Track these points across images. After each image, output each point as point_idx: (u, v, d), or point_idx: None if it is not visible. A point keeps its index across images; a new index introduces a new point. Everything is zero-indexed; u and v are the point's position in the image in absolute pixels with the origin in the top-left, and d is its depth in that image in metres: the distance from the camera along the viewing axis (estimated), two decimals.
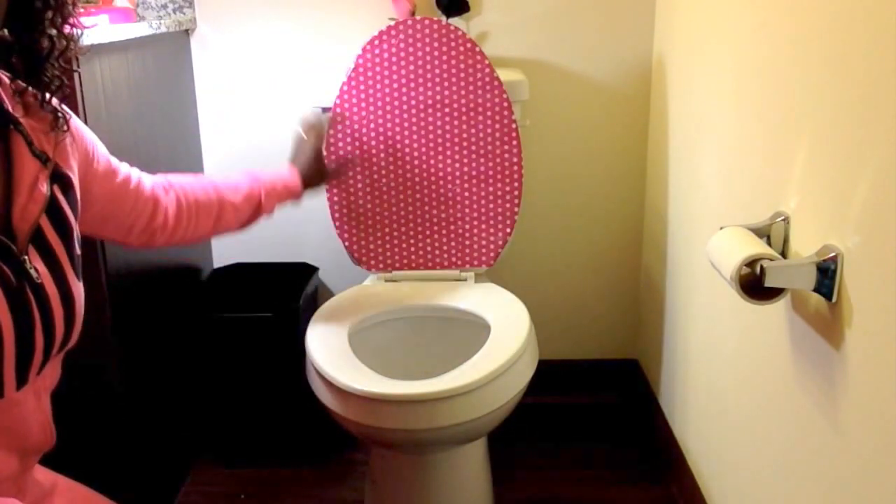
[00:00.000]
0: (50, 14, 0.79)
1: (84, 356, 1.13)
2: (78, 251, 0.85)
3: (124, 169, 1.05)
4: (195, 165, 1.83)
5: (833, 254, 0.87)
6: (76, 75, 1.24)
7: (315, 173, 1.43)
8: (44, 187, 0.80)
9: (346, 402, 1.21)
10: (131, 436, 1.44)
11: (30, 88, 0.82)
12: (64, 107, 0.87)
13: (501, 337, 1.34)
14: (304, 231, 1.92)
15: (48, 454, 0.90)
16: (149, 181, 1.11)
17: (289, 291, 1.77)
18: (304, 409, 1.64)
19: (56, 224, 0.81)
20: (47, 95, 0.83)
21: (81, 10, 1.48)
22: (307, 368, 1.34)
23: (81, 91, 1.26)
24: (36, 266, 0.78)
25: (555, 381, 1.98)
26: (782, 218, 1.02)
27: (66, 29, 0.82)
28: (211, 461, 1.78)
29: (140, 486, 1.48)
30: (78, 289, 0.83)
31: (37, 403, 0.84)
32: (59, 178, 0.84)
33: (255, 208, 1.29)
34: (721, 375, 1.34)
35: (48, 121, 0.83)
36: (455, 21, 1.75)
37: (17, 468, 0.82)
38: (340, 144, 1.58)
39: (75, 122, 0.92)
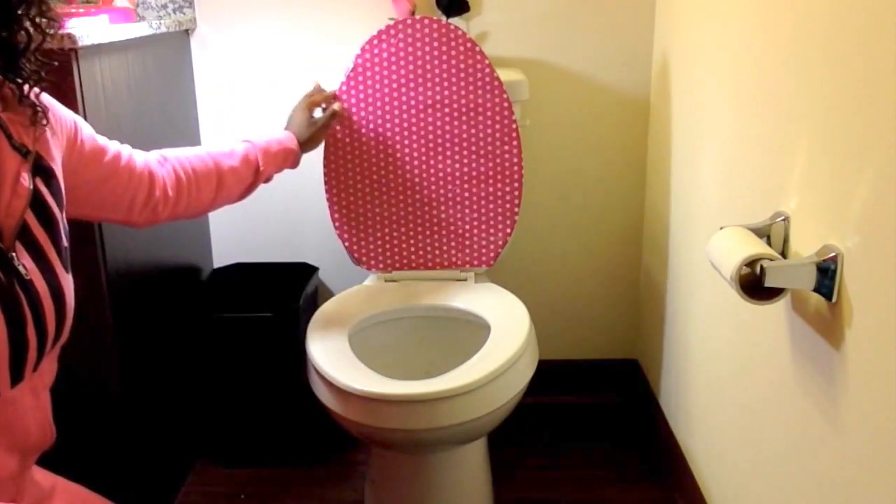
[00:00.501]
0: (24, 7, 0.78)
1: (84, 356, 1.13)
2: (65, 243, 0.84)
3: (113, 146, 1.05)
4: None
5: (833, 254, 0.87)
6: (76, 75, 1.24)
7: (308, 134, 1.44)
8: (26, 181, 0.79)
9: (346, 402, 1.21)
10: (131, 436, 1.44)
11: (7, 83, 0.81)
12: (43, 98, 0.86)
13: (501, 337, 1.34)
14: (304, 231, 1.92)
15: (47, 453, 0.90)
16: (141, 156, 1.11)
17: (289, 291, 1.77)
18: (304, 409, 1.64)
19: (41, 218, 0.81)
20: (25, 89, 0.82)
21: (80, 10, 1.48)
22: (307, 368, 1.34)
23: (81, 91, 1.26)
24: (24, 262, 0.77)
25: (555, 381, 1.98)
26: (782, 218, 1.02)
27: (43, 23, 0.80)
28: (211, 461, 1.78)
29: (140, 486, 1.48)
30: (67, 283, 0.83)
31: (35, 401, 0.84)
32: (42, 171, 0.83)
33: (254, 172, 1.29)
34: (721, 375, 1.34)
35: (27, 115, 0.83)
36: (455, 21, 1.75)
37: (17, 468, 0.82)
38: (340, 144, 1.58)
39: (55, 109, 0.91)
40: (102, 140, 1.03)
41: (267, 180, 1.35)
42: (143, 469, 1.50)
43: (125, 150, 1.08)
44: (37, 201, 0.80)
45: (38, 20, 0.80)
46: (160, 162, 1.15)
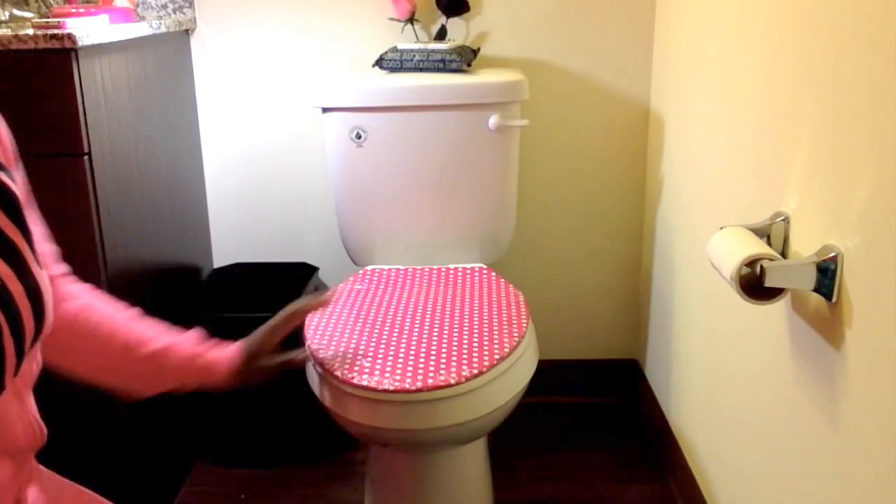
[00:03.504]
0: None
1: None
2: (35, 236, 0.78)
3: (49, 243, 0.90)
4: (195, 165, 1.83)
5: (833, 254, 0.87)
6: (76, 75, 1.24)
7: (260, 360, 1.18)
8: None
9: (345, 401, 1.21)
10: (131, 436, 1.44)
11: None
12: None
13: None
14: (304, 231, 1.92)
15: (47, 455, 0.89)
16: (69, 279, 0.95)
17: (289, 291, 1.77)
18: (304, 409, 1.64)
19: (8, 210, 0.73)
20: None
21: (80, 10, 1.48)
22: (307, 368, 1.34)
23: (81, 91, 1.26)
24: None
25: (555, 381, 1.98)
26: (782, 218, 1.02)
27: None
28: (211, 461, 1.78)
29: (140, 486, 1.48)
30: (43, 278, 0.76)
31: (19, 405, 0.80)
32: (2, 166, 0.76)
33: (154, 371, 1.07)
34: (721, 375, 1.34)
35: None
36: (455, 21, 1.75)
37: (13, 469, 0.81)
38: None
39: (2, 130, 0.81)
40: (40, 226, 0.86)
41: (178, 389, 1.10)
42: (143, 469, 1.50)
43: (55, 255, 0.90)
44: (1, 194, 0.73)
45: None
46: (73, 294, 0.96)
